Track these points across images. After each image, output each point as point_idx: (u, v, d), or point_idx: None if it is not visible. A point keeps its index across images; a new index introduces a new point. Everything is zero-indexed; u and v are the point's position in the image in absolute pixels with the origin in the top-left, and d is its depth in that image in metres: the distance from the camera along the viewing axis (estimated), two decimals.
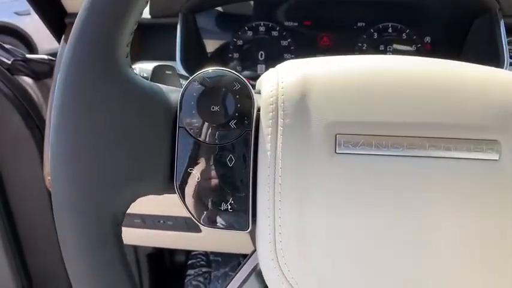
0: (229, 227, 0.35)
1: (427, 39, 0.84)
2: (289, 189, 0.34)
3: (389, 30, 0.84)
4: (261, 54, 0.85)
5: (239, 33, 0.85)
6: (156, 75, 0.44)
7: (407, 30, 0.84)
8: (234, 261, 1.36)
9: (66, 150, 0.32)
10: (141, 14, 0.34)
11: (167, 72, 0.43)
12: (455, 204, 0.34)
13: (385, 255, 0.34)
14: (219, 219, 0.35)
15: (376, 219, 0.34)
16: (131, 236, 0.95)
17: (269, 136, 0.35)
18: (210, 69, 0.36)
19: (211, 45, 0.86)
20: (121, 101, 0.33)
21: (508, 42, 0.78)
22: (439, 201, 0.34)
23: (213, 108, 0.35)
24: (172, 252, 1.44)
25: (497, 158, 0.34)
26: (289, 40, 0.84)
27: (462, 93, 0.35)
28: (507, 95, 0.35)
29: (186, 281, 1.36)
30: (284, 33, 0.84)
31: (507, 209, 0.34)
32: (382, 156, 0.34)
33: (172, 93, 0.37)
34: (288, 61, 0.39)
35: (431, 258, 0.34)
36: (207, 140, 0.35)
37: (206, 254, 1.39)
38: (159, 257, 1.38)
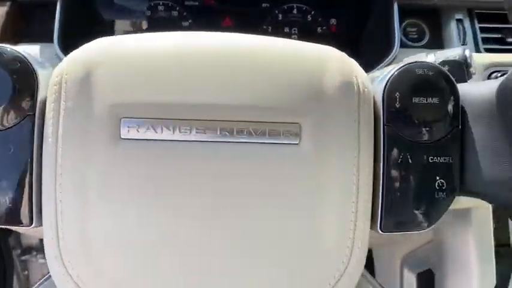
0: (10, 223, 0.32)
1: (333, 21, 0.82)
2: (70, 180, 0.31)
3: (295, 11, 0.82)
4: None
5: (137, 13, 0.81)
6: None
7: (313, 12, 0.81)
8: None
9: None
10: None
11: None
12: (249, 191, 0.32)
13: (169, 247, 0.31)
14: None
15: (161, 212, 0.31)
16: None
17: (51, 120, 0.32)
18: None
19: (109, 26, 0.81)
20: None
21: (407, 25, 0.76)
22: (228, 189, 0.32)
23: None
24: None
25: (297, 142, 0.32)
26: (190, 21, 0.81)
27: (260, 72, 0.33)
28: (311, 76, 0.33)
29: None
30: (185, 14, 0.81)
31: (304, 195, 0.32)
32: (169, 141, 0.31)
33: None
34: (99, 39, 0.36)
35: (225, 248, 0.32)
36: None
37: None
38: None
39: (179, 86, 0.31)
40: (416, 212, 0.34)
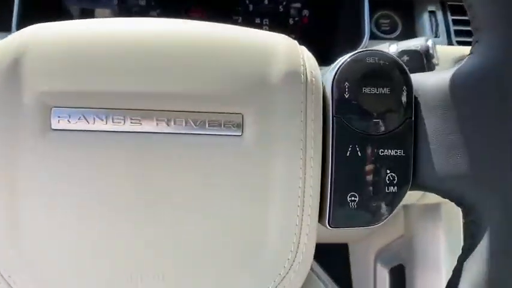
0: None
1: (305, 12, 0.80)
2: None
3: (266, 2, 0.80)
4: None
5: (103, 1, 0.78)
6: None
7: (284, 3, 0.80)
8: None
9: None
10: None
11: None
12: (188, 185, 0.30)
13: (102, 243, 0.30)
14: None
15: (92, 206, 0.29)
16: None
17: None
18: None
19: (74, 15, 0.79)
20: None
21: (380, 17, 0.75)
22: (165, 183, 0.30)
23: None
24: None
25: (239, 134, 0.30)
26: (158, 11, 0.79)
27: (201, 59, 0.31)
28: (255, 64, 0.31)
29: None
30: (153, 3, 0.78)
31: (247, 188, 0.30)
32: (102, 132, 0.29)
33: None
34: (32, 25, 0.34)
35: (160, 244, 0.30)
36: None
37: None
38: None
39: (113, 74, 0.30)
40: (365, 207, 0.32)
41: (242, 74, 0.31)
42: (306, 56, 0.33)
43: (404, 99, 0.32)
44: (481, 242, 0.30)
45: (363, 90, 0.32)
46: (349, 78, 0.32)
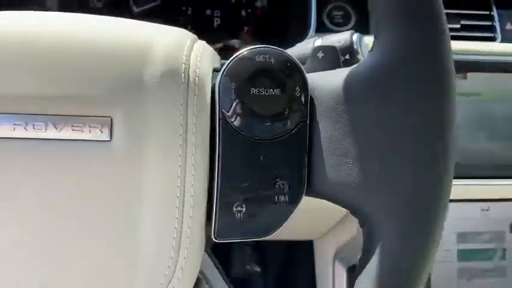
0: None
1: (258, 3, 0.77)
2: None
3: None
4: None
5: None
6: None
7: None
8: None
9: None
10: None
11: None
12: (53, 197, 0.27)
13: None
14: None
15: None
16: None
17: None
18: None
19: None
20: None
21: (333, 8, 0.72)
22: (30, 196, 0.27)
23: None
24: None
25: (108, 139, 0.28)
26: (103, 0, 0.75)
27: (65, 55, 0.28)
28: (129, 62, 0.28)
29: None
30: None
31: (117, 198, 0.28)
32: None
33: None
34: None
35: (25, 253, 0.28)
36: None
37: None
38: None
39: None
40: (254, 218, 0.30)
41: (112, 74, 0.28)
42: (194, 54, 0.30)
43: (298, 101, 0.30)
44: (372, 258, 0.28)
45: (251, 92, 0.29)
46: (236, 79, 0.29)
